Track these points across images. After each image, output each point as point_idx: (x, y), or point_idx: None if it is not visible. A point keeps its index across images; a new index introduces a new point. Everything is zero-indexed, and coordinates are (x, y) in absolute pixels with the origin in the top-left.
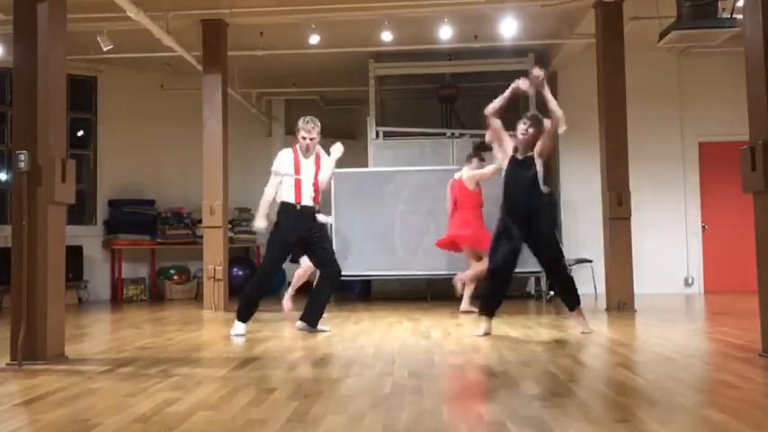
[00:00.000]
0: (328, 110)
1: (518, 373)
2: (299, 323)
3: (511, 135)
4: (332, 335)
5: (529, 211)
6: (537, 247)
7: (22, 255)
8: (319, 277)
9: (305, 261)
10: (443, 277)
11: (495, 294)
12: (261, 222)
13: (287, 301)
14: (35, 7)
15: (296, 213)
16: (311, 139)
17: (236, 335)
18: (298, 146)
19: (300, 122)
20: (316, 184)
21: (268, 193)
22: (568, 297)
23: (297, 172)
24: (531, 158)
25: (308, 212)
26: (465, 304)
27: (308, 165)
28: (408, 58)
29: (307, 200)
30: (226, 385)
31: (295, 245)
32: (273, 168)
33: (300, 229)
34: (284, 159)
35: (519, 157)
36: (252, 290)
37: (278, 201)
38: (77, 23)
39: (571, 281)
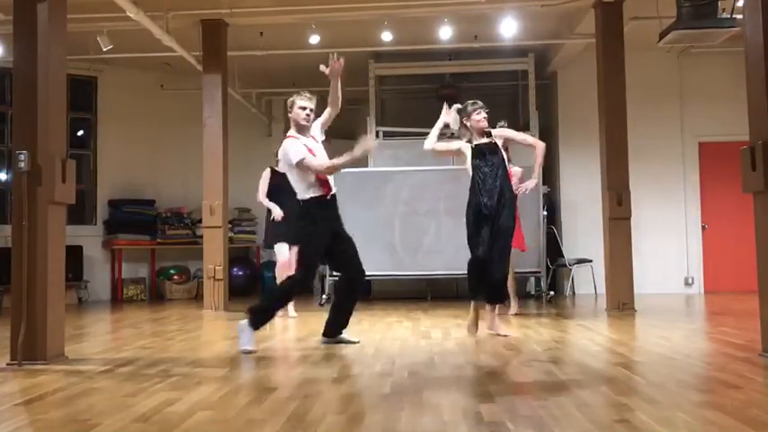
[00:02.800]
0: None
1: (518, 373)
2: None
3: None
4: None
5: (501, 199)
6: (496, 238)
7: (22, 255)
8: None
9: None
10: (443, 277)
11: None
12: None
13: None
14: (35, 7)
15: (327, 206)
16: (311, 110)
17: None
18: (293, 128)
19: (295, 96)
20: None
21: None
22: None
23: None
24: (495, 144)
25: (335, 203)
26: (515, 306)
27: (317, 146)
28: (408, 58)
29: (333, 187)
30: (226, 385)
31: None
32: (299, 158)
33: (336, 228)
34: (299, 145)
35: (481, 142)
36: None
37: (299, 198)
38: (77, 23)
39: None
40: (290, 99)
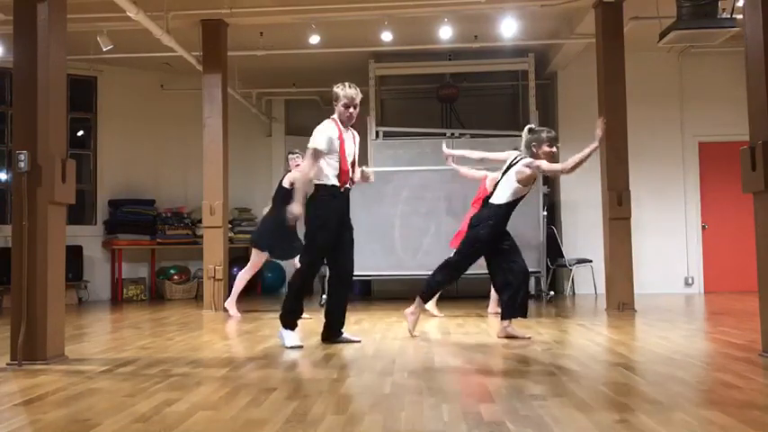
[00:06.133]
0: (328, 110)
1: (518, 373)
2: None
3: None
4: None
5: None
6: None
7: (22, 255)
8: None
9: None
10: None
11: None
12: (297, 209)
13: (232, 306)
14: (35, 7)
15: (340, 198)
16: (355, 107)
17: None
18: (337, 116)
19: (339, 89)
20: (354, 166)
21: (307, 172)
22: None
23: (342, 150)
24: None
25: (347, 199)
26: (493, 306)
27: (349, 141)
28: (408, 58)
29: (350, 183)
30: (226, 385)
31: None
32: (314, 145)
33: (342, 218)
34: (330, 133)
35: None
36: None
37: (314, 182)
38: (77, 23)
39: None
40: (334, 91)
